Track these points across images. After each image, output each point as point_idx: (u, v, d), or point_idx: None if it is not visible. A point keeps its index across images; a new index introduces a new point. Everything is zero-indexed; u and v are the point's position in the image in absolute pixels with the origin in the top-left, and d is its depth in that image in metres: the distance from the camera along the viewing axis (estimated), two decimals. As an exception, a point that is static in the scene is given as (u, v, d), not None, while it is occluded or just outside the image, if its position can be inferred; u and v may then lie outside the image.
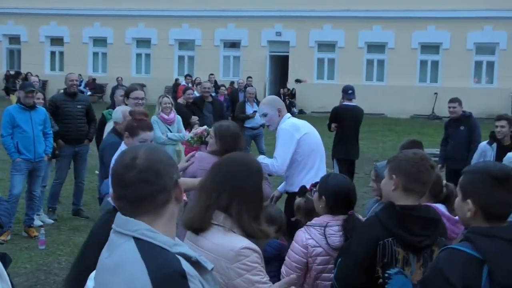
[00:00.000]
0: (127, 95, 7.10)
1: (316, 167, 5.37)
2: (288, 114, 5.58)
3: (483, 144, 7.54)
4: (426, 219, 2.88)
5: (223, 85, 18.39)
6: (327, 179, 3.80)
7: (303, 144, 5.29)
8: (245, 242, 2.59)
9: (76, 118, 8.54)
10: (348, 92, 9.49)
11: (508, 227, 2.32)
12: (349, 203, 3.60)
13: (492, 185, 2.32)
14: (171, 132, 8.60)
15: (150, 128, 4.64)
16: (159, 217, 1.85)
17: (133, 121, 4.64)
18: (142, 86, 9.05)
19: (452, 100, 8.73)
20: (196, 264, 1.84)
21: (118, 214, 1.87)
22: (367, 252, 2.82)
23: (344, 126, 9.29)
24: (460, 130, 8.54)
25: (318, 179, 4.73)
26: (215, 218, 2.64)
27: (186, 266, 1.78)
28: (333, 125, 9.47)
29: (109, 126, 6.99)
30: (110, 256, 1.84)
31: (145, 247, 1.78)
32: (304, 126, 5.47)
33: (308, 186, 4.30)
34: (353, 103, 9.49)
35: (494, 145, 7.33)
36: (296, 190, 4.51)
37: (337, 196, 3.59)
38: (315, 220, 3.60)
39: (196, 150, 5.20)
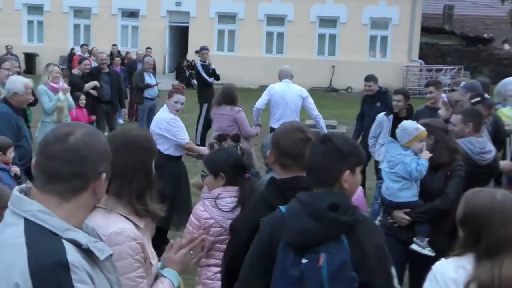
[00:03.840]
0: None
1: (280, 117, 8.27)
2: (285, 80, 8.74)
3: (381, 115, 7.80)
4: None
5: (118, 55, 17.85)
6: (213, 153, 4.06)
7: (271, 98, 8.63)
8: (117, 226, 2.37)
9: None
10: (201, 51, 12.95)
11: (316, 194, 2.42)
12: (238, 174, 3.63)
13: (311, 151, 2.50)
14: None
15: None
16: (67, 202, 1.78)
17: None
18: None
19: (367, 79, 8.87)
20: (89, 252, 1.76)
21: (14, 192, 1.80)
22: (251, 231, 2.72)
23: (201, 80, 12.75)
24: (376, 106, 8.70)
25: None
26: None
27: (72, 255, 1.69)
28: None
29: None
30: (0, 233, 1.76)
31: (33, 230, 1.70)
32: (276, 88, 8.69)
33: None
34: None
35: (391, 116, 7.60)
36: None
37: (230, 169, 3.65)
38: (207, 193, 3.61)
39: None
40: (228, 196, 3.55)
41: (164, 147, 6.29)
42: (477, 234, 2.37)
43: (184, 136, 6.50)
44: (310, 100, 8.86)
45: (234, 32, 27.24)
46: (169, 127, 6.38)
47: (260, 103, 8.73)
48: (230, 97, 7.80)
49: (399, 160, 4.36)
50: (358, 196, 3.60)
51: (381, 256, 2.40)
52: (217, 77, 12.64)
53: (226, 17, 27.24)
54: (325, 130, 8.62)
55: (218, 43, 27.15)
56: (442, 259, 2.51)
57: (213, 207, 3.56)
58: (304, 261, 2.26)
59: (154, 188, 2.55)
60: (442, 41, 29.99)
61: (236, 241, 2.91)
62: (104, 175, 1.84)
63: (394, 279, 2.47)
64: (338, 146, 2.42)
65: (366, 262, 2.31)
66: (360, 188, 3.98)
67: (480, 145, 4.79)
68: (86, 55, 17.83)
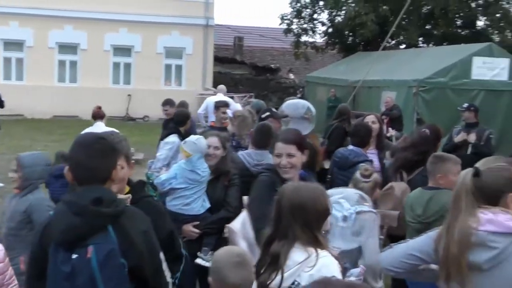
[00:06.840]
0: None
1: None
2: (219, 94, 11.70)
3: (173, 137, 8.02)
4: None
5: None
6: None
7: (207, 108, 11.90)
8: None
9: None
10: None
11: (79, 192, 2.50)
12: None
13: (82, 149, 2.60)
14: None
15: None
16: None
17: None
18: None
19: (164, 103, 9.35)
20: None
21: None
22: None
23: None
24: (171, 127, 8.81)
25: None
26: None
27: None
28: None
29: None
30: None
31: None
32: (208, 100, 11.75)
33: None
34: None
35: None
36: None
37: None
38: None
39: None
40: None
41: None
42: (277, 217, 2.76)
43: None
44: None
45: (22, 60, 25.79)
46: None
47: (200, 109, 12.58)
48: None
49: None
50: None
51: (149, 242, 2.57)
52: (1, 104, 11.92)
53: (13, 44, 25.69)
54: None
55: (5, 72, 25.51)
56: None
57: None
58: (74, 256, 2.38)
59: None
60: (234, 71, 31.57)
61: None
62: None
63: (163, 263, 2.66)
64: (112, 144, 2.59)
65: (133, 248, 2.47)
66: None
67: (258, 157, 5.16)
68: None
